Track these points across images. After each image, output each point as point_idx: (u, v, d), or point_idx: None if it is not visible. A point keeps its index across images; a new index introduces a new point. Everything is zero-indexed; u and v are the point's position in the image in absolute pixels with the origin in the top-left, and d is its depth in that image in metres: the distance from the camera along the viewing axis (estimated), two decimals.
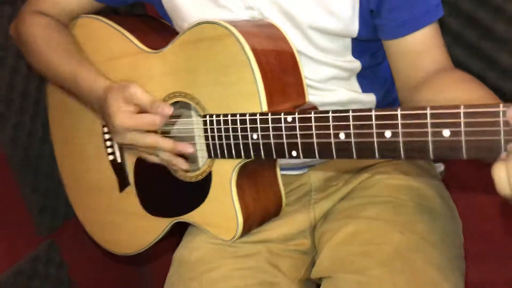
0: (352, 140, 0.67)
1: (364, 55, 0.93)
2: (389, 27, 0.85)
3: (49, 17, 1.00)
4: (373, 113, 0.64)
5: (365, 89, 0.96)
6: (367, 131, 0.65)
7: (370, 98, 0.96)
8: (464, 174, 1.29)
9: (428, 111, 0.59)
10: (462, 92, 0.76)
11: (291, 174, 0.97)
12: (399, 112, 0.62)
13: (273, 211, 0.93)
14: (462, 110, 0.56)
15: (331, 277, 0.79)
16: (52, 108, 1.20)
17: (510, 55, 1.10)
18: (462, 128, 0.57)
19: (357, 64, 0.92)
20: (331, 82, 0.92)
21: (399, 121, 0.62)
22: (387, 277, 0.73)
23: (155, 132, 0.88)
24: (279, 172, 0.92)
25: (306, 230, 0.92)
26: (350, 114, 0.66)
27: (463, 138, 0.57)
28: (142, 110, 0.85)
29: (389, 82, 1.00)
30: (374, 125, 0.64)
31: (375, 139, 0.65)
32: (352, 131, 0.67)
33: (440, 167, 1.05)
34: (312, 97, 0.91)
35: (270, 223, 0.92)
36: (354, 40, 0.90)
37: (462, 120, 0.56)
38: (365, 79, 0.96)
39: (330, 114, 0.68)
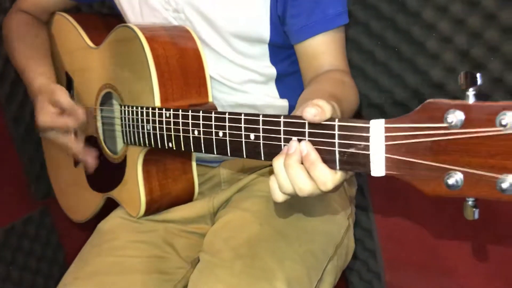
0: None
1: (282, 62, 1.00)
2: (292, 32, 0.93)
3: (28, 15, 1.17)
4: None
5: (282, 95, 1.03)
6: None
7: (283, 104, 1.02)
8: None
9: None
10: (321, 86, 0.84)
11: (206, 166, 1.07)
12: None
13: (184, 196, 1.03)
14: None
15: (198, 256, 0.89)
16: None
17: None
18: (261, 134, 0.64)
19: (273, 71, 1.00)
20: (248, 85, 1.00)
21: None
22: (230, 260, 0.82)
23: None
24: (194, 163, 1.02)
25: (206, 216, 1.02)
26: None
27: (261, 141, 0.64)
28: (63, 113, 1.00)
29: None
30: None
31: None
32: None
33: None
34: (230, 96, 1.00)
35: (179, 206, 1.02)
36: (271, 46, 0.97)
37: (261, 126, 0.64)
38: (284, 85, 1.03)
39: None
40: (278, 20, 0.93)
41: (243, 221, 0.90)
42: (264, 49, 0.98)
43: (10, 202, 1.50)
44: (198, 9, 0.95)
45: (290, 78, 1.03)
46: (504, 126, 0.44)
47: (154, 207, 1.00)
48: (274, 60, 0.99)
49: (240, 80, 1.00)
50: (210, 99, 0.95)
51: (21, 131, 1.54)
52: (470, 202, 0.50)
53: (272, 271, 0.81)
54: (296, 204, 0.91)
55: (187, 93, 0.92)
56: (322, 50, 0.92)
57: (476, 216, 0.50)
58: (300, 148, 0.58)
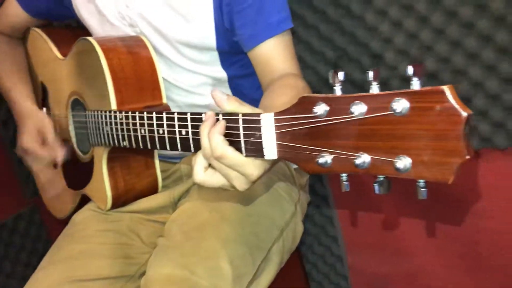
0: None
1: (232, 66, 1.11)
2: (242, 41, 1.03)
3: (3, 36, 1.30)
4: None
5: (236, 95, 1.13)
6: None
7: None
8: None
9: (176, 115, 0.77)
10: (276, 95, 0.91)
11: (169, 162, 1.18)
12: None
13: (149, 190, 1.14)
14: (189, 116, 0.74)
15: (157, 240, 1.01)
16: None
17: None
18: (190, 129, 0.75)
19: (224, 74, 1.10)
20: (202, 88, 1.11)
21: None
22: (180, 242, 0.94)
23: None
24: (157, 159, 1.14)
25: (168, 206, 1.14)
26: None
27: (190, 136, 0.75)
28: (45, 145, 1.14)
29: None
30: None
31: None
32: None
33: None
34: (186, 98, 1.11)
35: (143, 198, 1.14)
36: (220, 53, 1.08)
37: (189, 123, 0.75)
38: (237, 86, 1.14)
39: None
40: (227, 31, 1.02)
41: (195, 209, 1.02)
42: (214, 56, 1.08)
43: (1, 201, 1.62)
44: (150, 22, 1.06)
45: (242, 80, 1.13)
46: (353, 113, 0.55)
47: (120, 201, 1.11)
48: (224, 64, 1.10)
49: (194, 84, 1.10)
50: (164, 101, 1.06)
51: (10, 133, 1.66)
52: (421, 184, 0.54)
53: (217, 251, 0.92)
54: (243, 192, 1.02)
55: (142, 96, 1.03)
56: (272, 55, 1.00)
57: (424, 195, 0.55)
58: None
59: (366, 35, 1.28)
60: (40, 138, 1.12)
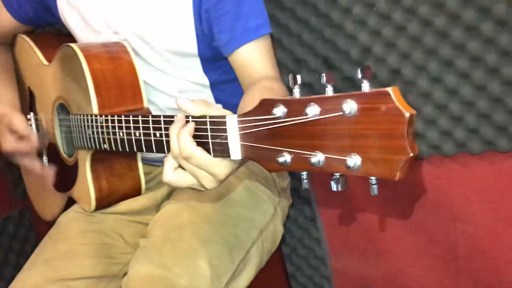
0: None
1: (214, 71, 1.14)
2: (221, 46, 1.06)
3: None
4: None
5: (218, 100, 1.17)
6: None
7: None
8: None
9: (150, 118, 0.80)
10: (252, 98, 0.93)
11: (152, 165, 1.21)
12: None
13: (132, 191, 1.17)
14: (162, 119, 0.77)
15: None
16: None
17: None
18: (163, 132, 0.78)
19: (206, 80, 1.14)
20: (184, 93, 1.14)
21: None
22: (160, 242, 0.96)
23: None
24: (140, 162, 1.16)
25: (151, 208, 1.17)
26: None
27: (164, 138, 0.78)
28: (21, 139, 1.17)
29: None
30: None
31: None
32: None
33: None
34: (168, 102, 1.15)
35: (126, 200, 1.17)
36: (202, 59, 1.11)
37: (162, 125, 0.78)
38: (219, 91, 1.17)
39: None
40: (207, 37, 1.06)
41: (177, 210, 1.04)
42: (196, 62, 1.11)
43: None
44: (133, 30, 1.09)
45: (224, 85, 1.17)
46: (307, 114, 0.58)
47: (104, 202, 1.14)
48: (206, 70, 1.13)
49: (176, 88, 1.14)
50: (145, 105, 1.09)
51: None
52: (373, 181, 0.56)
53: (196, 251, 0.95)
54: (223, 194, 1.05)
55: (123, 100, 1.06)
56: (250, 59, 1.03)
57: (375, 192, 0.57)
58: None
59: (346, 43, 1.32)
60: (13, 137, 1.15)
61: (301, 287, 1.65)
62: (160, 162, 1.21)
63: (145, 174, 1.18)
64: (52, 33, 1.41)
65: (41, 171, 1.17)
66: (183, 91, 1.14)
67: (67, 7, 1.17)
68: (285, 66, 1.44)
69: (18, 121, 1.14)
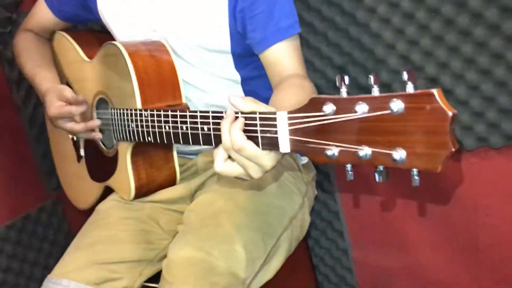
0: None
1: (245, 68, 1.20)
2: (253, 45, 1.12)
3: (32, 33, 1.40)
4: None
5: (247, 95, 1.22)
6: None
7: None
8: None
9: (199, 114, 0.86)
10: (286, 94, 1.00)
11: (186, 158, 1.27)
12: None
13: (168, 182, 1.23)
14: (209, 114, 0.83)
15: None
16: None
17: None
18: (211, 126, 0.84)
19: (237, 76, 1.19)
20: (217, 88, 1.20)
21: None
22: (197, 228, 1.03)
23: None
24: (175, 155, 1.23)
25: (186, 197, 1.23)
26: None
27: (212, 132, 0.84)
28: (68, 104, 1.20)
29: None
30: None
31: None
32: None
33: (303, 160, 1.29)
34: (202, 98, 1.20)
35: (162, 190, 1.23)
36: (234, 56, 1.17)
37: (211, 120, 0.84)
38: (249, 87, 1.23)
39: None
40: (240, 35, 1.12)
41: (212, 199, 1.11)
42: (229, 58, 1.17)
43: (26, 194, 1.73)
44: (170, 27, 1.15)
45: (254, 81, 1.22)
46: (356, 112, 0.63)
47: (142, 191, 1.20)
48: (238, 66, 1.19)
49: (210, 84, 1.19)
50: (184, 101, 1.15)
51: (35, 131, 1.76)
52: (414, 172, 0.62)
53: (232, 236, 1.01)
54: (255, 184, 1.11)
55: (164, 96, 1.12)
56: (281, 57, 1.09)
57: (417, 183, 0.62)
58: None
59: (370, 42, 1.37)
60: (61, 103, 1.20)
61: (324, 277, 1.71)
62: (194, 155, 1.27)
63: (180, 165, 1.24)
64: (90, 31, 1.47)
65: (85, 127, 1.21)
66: (215, 86, 1.20)
67: (107, 6, 1.23)
68: (311, 64, 1.49)
69: (68, 91, 1.19)
